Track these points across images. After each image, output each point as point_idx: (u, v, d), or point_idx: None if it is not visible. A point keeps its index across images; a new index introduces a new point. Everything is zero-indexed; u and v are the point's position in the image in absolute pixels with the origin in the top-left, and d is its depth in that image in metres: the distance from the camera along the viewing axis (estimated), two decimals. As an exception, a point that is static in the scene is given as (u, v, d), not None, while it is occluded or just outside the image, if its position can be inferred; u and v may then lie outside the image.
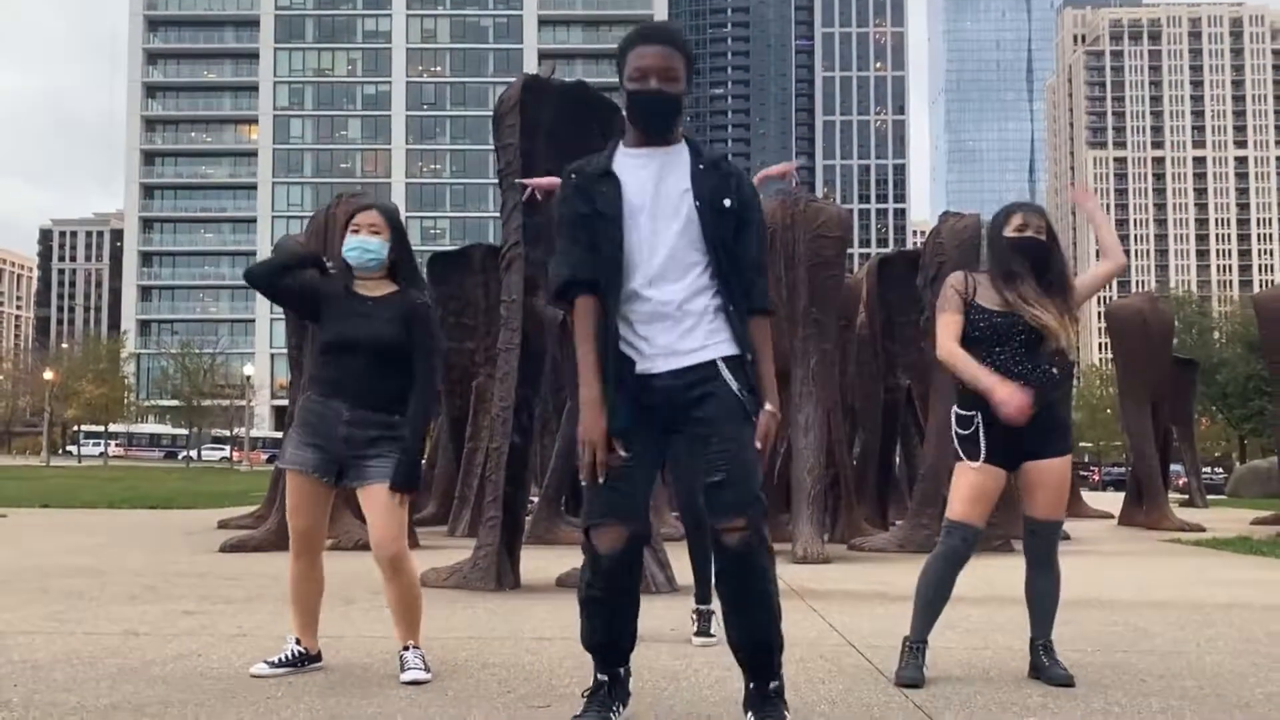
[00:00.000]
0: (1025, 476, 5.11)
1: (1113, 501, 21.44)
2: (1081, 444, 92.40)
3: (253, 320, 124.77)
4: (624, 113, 4.07)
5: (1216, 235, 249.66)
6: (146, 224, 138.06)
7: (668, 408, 3.89)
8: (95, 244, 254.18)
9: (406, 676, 4.89)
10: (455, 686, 4.81)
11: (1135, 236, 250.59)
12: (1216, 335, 64.81)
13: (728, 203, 3.94)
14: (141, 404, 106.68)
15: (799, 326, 11.87)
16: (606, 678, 4.07)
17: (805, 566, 10.65)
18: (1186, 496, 28.33)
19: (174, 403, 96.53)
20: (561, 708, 4.33)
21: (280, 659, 5.03)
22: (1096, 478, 71.14)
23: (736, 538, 3.80)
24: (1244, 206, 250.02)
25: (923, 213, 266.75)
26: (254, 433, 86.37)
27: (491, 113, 9.43)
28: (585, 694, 4.10)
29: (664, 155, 4.00)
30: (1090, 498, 26.82)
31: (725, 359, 3.90)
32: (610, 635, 4.06)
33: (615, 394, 3.90)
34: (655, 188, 3.96)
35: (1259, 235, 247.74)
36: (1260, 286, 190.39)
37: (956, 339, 5.10)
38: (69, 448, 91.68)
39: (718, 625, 5.31)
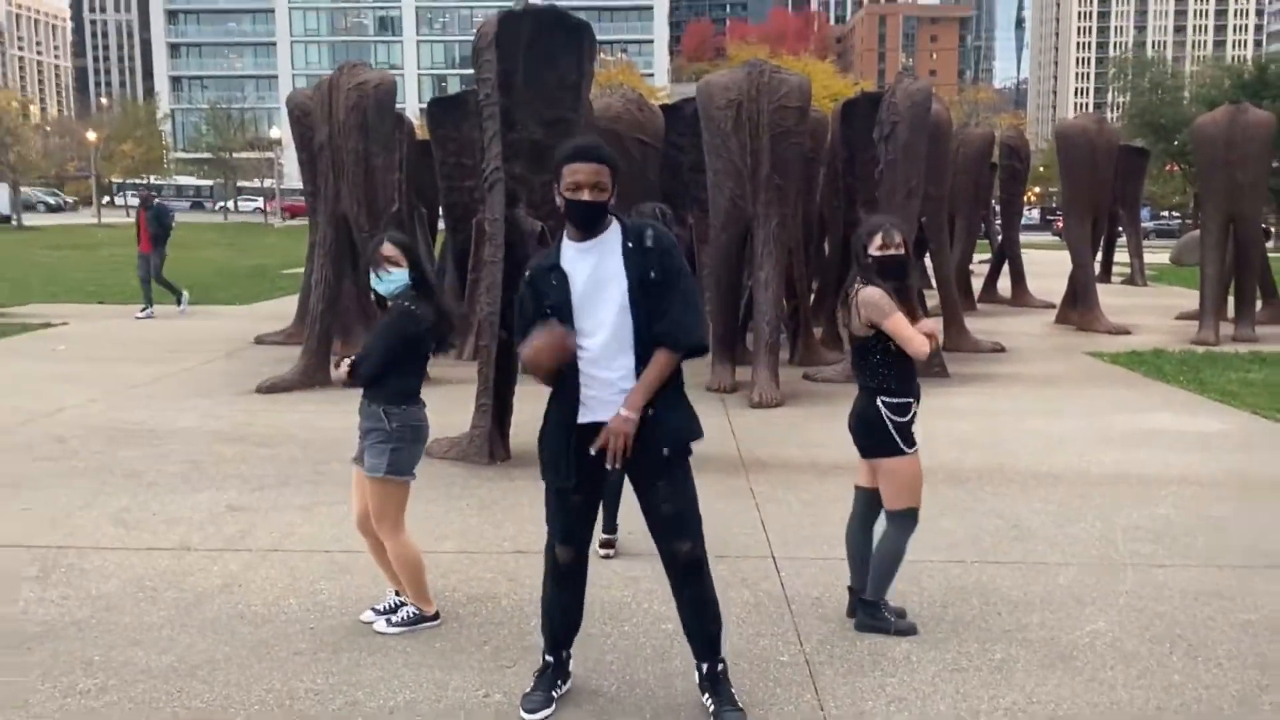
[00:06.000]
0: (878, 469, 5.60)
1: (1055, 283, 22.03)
2: (1051, 189, 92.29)
3: (276, 76, 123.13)
4: (563, 213, 4.54)
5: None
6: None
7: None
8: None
9: (377, 625, 5.69)
10: (442, 636, 5.60)
11: None
12: (1185, 95, 63.80)
13: (653, 275, 4.45)
14: (177, 158, 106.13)
15: (761, 192, 12.33)
16: (553, 660, 4.88)
17: (758, 413, 11.44)
18: (1129, 275, 28.91)
19: (206, 155, 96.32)
20: (525, 668, 5.10)
21: (382, 606, 5.83)
22: (1060, 224, 71.37)
23: (686, 555, 4.60)
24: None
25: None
26: (283, 185, 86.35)
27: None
28: (535, 673, 4.92)
29: (600, 245, 4.51)
30: (1041, 259, 27.30)
31: (656, 406, 4.48)
32: (557, 629, 4.86)
33: (570, 446, 4.53)
34: (594, 274, 4.47)
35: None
36: (1232, 48, 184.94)
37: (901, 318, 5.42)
38: (115, 200, 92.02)
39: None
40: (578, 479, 4.58)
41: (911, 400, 5.52)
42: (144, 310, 20.32)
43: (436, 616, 5.75)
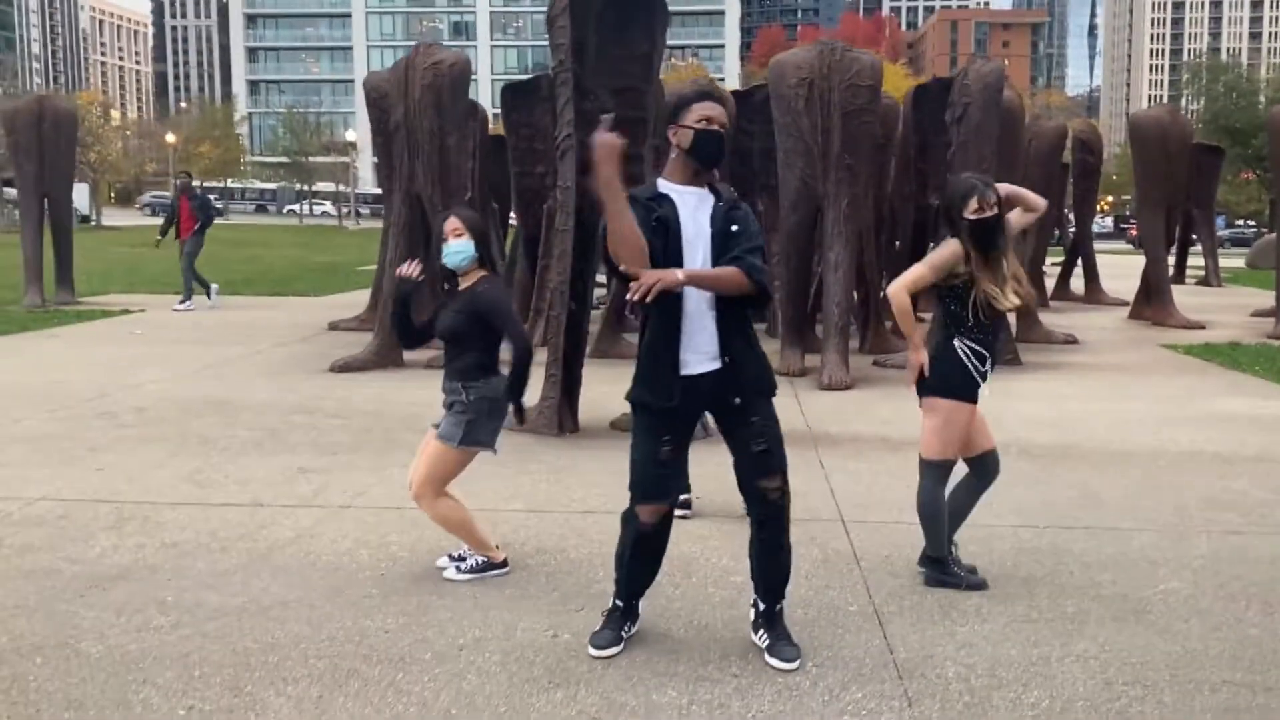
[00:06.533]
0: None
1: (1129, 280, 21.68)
2: (1124, 197, 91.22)
3: (352, 80, 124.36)
4: (685, 149, 4.54)
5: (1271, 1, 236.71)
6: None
7: (707, 398, 4.60)
8: (204, 1, 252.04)
9: (448, 572, 5.74)
10: (511, 583, 5.62)
11: (1190, 4, 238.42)
12: (1260, 100, 62.74)
13: (734, 228, 4.52)
14: (253, 160, 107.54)
15: (831, 171, 12.24)
16: (623, 604, 4.90)
17: (827, 394, 11.35)
18: (1204, 274, 28.34)
19: (282, 158, 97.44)
20: (593, 613, 5.09)
21: (458, 553, 5.83)
22: (1134, 231, 70.44)
23: (775, 492, 4.64)
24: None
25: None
26: (357, 190, 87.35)
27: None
28: (604, 613, 4.93)
29: (699, 195, 4.58)
30: (1114, 263, 26.92)
31: (732, 354, 4.56)
32: (636, 587, 4.90)
33: (672, 378, 4.53)
34: (695, 221, 4.54)
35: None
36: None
37: (913, 289, 5.37)
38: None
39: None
40: (676, 413, 4.59)
41: (988, 355, 5.44)
42: (209, 296, 20.48)
43: (505, 564, 5.76)
